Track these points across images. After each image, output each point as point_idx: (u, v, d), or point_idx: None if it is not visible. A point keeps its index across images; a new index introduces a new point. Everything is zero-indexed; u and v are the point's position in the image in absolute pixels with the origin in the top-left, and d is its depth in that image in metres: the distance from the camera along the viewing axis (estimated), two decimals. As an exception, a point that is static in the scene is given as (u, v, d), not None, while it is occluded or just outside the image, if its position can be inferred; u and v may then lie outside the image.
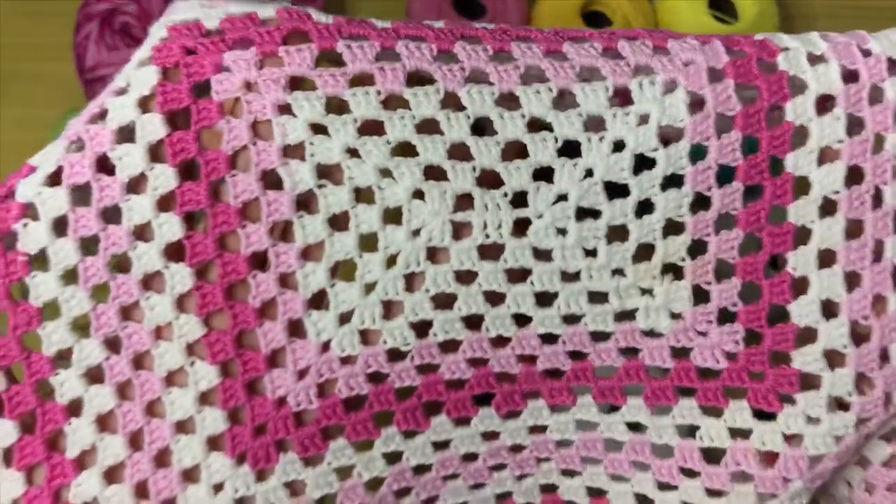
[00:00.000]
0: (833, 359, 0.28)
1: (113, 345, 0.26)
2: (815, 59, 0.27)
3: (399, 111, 0.25)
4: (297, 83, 0.25)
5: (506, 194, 0.26)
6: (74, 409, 0.26)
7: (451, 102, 0.26)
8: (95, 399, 0.26)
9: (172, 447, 0.26)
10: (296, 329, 0.27)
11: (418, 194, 0.26)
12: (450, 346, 0.28)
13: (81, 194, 0.25)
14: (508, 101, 0.26)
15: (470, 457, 0.29)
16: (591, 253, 0.27)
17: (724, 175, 0.27)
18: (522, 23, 0.48)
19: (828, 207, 0.27)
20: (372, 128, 0.25)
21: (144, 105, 0.25)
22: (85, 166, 0.25)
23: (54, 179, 0.25)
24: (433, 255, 0.26)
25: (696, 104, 0.26)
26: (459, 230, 0.26)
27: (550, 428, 0.29)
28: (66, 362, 0.26)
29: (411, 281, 0.27)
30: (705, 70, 0.26)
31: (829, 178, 0.27)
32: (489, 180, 0.26)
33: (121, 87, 0.25)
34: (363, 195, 0.26)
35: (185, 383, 0.26)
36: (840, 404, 0.28)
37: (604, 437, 0.29)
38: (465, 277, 0.27)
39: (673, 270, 0.27)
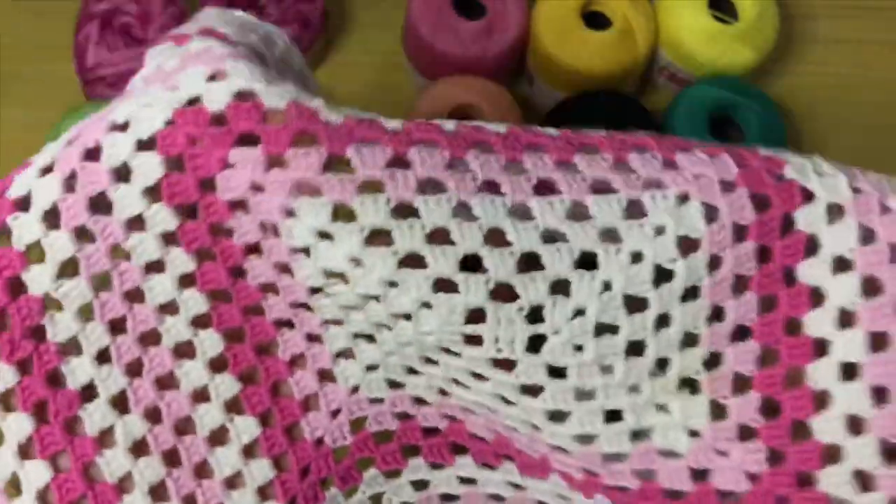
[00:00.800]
0: (864, 481, 0.26)
1: (154, 415, 0.26)
2: (822, 174, 0.26)
3: (409, 220, 0.24)
4: (303, 186, 0.24)
5: (521, 308, 0.25)
6: (125, 486, 0.26)
7: (463, 212, 0.25)
8: (145, 472, 0.26)
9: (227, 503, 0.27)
10: (326, 375, 0.27)
11: (426, 305, 0.25)
12: (469, 411, 0.28)
13: (102, 281, 0.26)
14: (520, 212, 0.25)
15: (496, 498, 0.30)
16: (608, 370, 0.26)
17: (737, 285, 0.26)
18: (523, 23, 0.48)
19: (845, 319, 0.26)
20: (379, 237, 0.24)
21: (151, 195, 0.25)
22: (101, 256, 0.25)
23: (73, 271, 0.25)
24: (446, 351, 0.26)
25: (711, 214, 0.26)
26: (472, 340, 0.25)
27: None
28: (110, 440, 0.26)
29: (428, 360, 0.27)
30: (717, 182, 0.26)
31: (844, 287, 0.26)
32: (503, 294, 0.25)
33: (115, 166, 0.25)
34: (370, 297, 0.25)
35: (229, 440, 0.27)
36: None
37: None
38: (479, 377, 0.26)
39: (689, 385, 0.26)
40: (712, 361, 0.26)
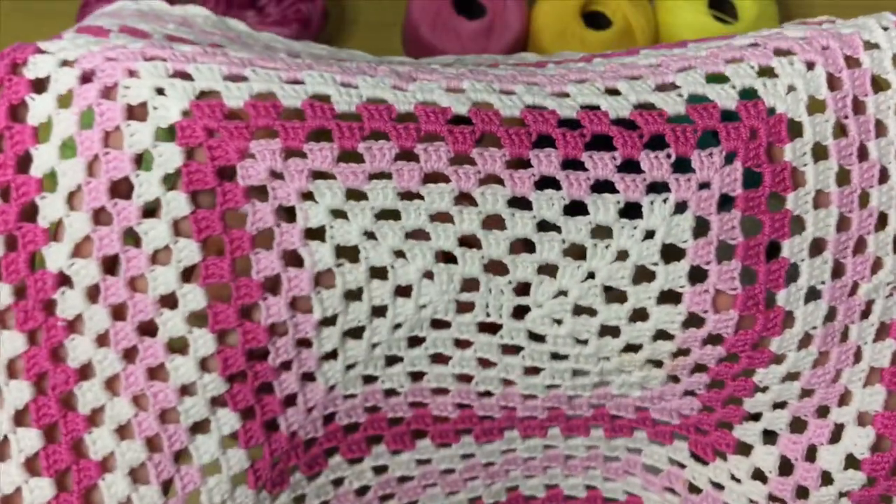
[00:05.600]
0: (768, 437, 0.31)
1: (140, 402, 0.27)
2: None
3: (415, 202, 0.27)
4: (318, 173, 0.26)
5: (510, 282, 0.28)
6: (108, 464, 0.27)
7: (465, 200, 0.27)
8: (127, 454, 0.27)
9: (202, 489, 0.28)
10: (308, 377, 0.28)
11: (428, 275, 0.27)
12: (440, 391, 0.30)
13: (110, 265, 0.27)
14: (520, 203, 0.27)
15: (448, 471, 0.33)
16: (583, 342, 0.29)
17: (718, 301, 0.28)
18: (522, 23, 0.48)
19: (805, 341, 0.29)
20: (388, 215, 0.27)
21: (169, 183, 0.26)
22: (114, 239, 0.26)
23: (86, 251, 0.26)
24: (436, 324, 0.28)
25: (701, 228, 0.27)
26: (463, 307, 0.28)
27: (520, 450, 0.33)
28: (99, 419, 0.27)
29: (414, 341, 0.29)
30: (717, 198, 0.27)
31: (811, 315, 0.28)
32: (496, 269, 0.27)
33: (137, 153, 0.26)
34: (377, 272, 0.27)
35: (209, 430, 0.28)
36: (760, 477, 0.31)
37: (564, 454, 0.34)
38: (463, 344, 0.29)
39: (655, 363, 0.29)
40: (681, 353, 0.29)
